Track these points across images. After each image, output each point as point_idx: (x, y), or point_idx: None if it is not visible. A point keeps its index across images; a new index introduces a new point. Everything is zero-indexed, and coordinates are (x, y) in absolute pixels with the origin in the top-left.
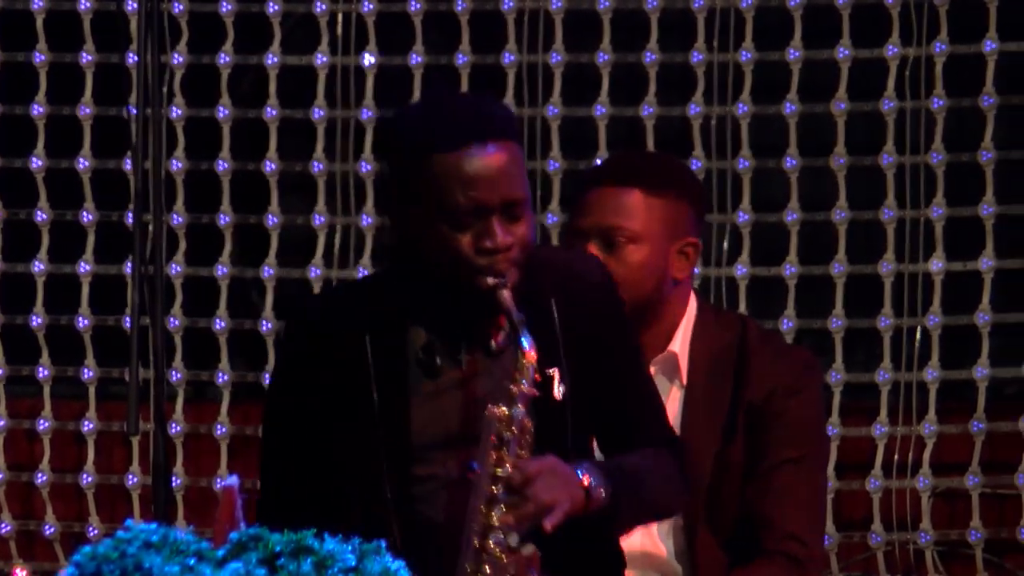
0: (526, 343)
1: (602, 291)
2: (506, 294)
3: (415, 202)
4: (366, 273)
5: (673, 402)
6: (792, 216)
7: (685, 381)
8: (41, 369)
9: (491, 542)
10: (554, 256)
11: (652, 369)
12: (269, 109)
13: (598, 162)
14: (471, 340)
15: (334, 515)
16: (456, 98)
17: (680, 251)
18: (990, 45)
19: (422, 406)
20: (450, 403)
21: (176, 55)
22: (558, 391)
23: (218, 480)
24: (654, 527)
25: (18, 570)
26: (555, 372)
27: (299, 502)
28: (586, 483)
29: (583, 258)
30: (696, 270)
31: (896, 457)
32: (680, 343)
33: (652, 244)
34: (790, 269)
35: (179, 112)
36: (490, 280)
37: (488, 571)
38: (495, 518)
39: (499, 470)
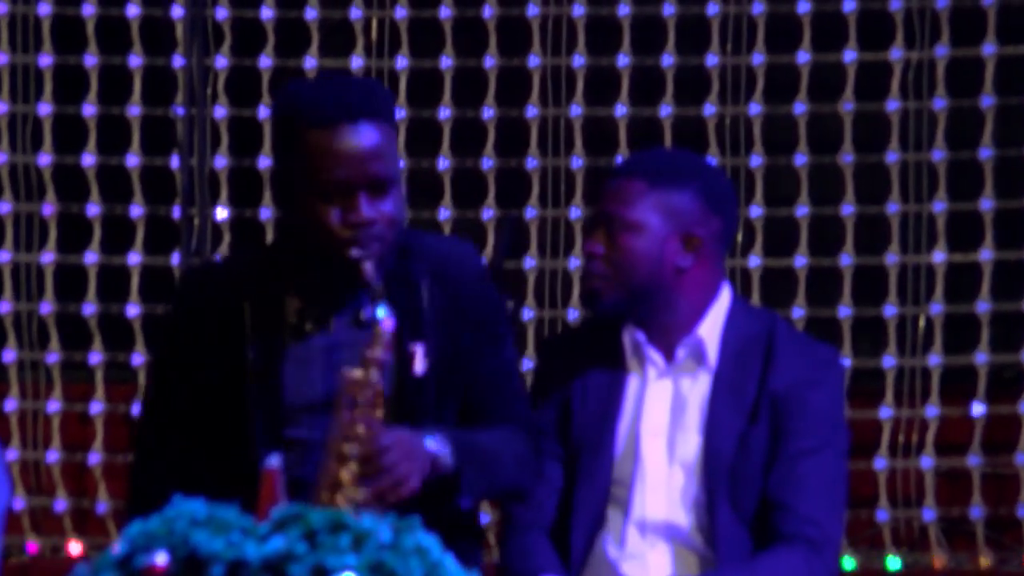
0: (382, 312)
1: (474, 279)
2: (368, 266)
3: (290, 175)
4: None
5: (701, 384)
6: (802, 210)
7: (714, 364)
8: (94, 355)
9: (339, 498)
10: (430, 243)
11: (680, 352)
12: None
13: (619, 159)
14: (341, 310)
15: (204, 476)
16: (334, 79)
17: (683, 242)
18: (989, 49)
19: (291, 370)
20: (317, 369)
21: (219, 58)
22: (419, 366)
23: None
24: (678, 499)
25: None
26: (418, 348)
27: (169, 463)
28: (432, 451)
29: (459, 247)
30: None
31: (901, 438)
32: (708, 328)
33: (650, 233)
34: (800, 260)
35: (223, 112)
36: (353, 252)
37: None
38: (344, 476)
39: (351, 430)
